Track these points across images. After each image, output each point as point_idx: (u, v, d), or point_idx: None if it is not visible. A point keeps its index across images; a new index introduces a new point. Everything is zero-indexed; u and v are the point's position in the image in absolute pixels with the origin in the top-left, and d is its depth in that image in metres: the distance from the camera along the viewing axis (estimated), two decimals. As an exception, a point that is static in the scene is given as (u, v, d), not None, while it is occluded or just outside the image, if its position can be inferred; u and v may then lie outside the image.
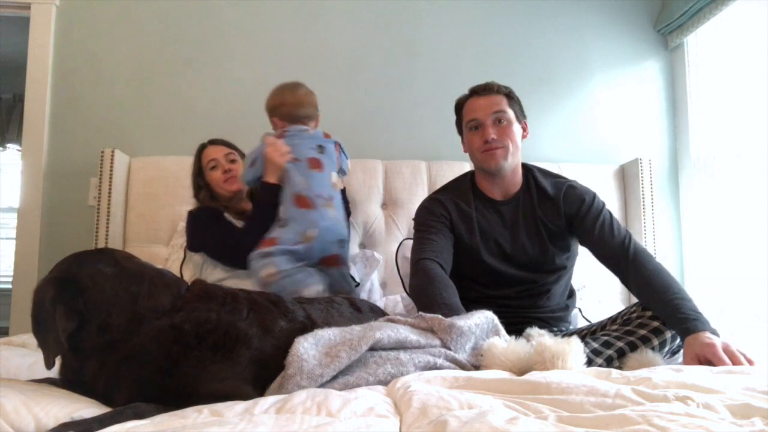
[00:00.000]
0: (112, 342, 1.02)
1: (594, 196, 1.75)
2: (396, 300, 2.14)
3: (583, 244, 1.74)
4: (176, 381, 1.01)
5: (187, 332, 1.05)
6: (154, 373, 1.01)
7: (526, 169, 1.82)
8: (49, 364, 1.00)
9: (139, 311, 1.06)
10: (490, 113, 1.70)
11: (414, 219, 1.82)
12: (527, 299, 1.72)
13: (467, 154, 1.83)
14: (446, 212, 1.75)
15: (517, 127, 1.74)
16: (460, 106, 1.81)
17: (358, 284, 2.04)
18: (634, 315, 1.50)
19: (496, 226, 1.74)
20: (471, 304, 1.50)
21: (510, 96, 1.75)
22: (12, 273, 2.49)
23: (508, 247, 1.72)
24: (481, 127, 1.72)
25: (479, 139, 1.72)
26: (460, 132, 1.84)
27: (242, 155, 2.08)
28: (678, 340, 1.44)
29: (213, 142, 2.13)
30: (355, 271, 2.09)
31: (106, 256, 1.12)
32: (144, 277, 1.12)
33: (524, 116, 1.79)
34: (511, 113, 1.72)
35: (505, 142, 1.70)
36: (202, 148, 2.12)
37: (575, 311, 1.92)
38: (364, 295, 2.05)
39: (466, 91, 1.81)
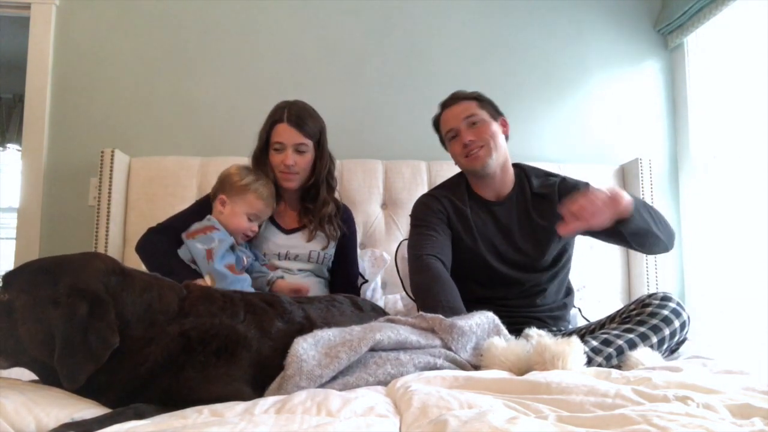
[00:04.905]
0: (125, 351, 1.01)
1: (587, 184, 1.74)
2: (396, 299, 2.14)
3: (585, 233, 1.73)
4: (181, 385, 1.01)
5: (194, 339, 1.05)
6: (161, 379, 1.01)
7: (519, 168, 1.83)
8: (78, 382, 0.95)
9: (154, 317, 1.06)
10: (462, 119, 1.73)
11: (411, 215, 1.83)
12: (524, 299, 1.73)
13: None
14: (444, 209, 1.76)
15: (495, 126, 1.75)
16: (437, 123, 1.85)
17: (366, 281, 2.06)
18: (633, 312, 1.51)
19: (491, 226, 1.75)
20: (469, 305, 1.50)
21: (479, 99, 1.78)
22: (12, 273, 2.49)
23: (502, 248, 1.73)
24: (458, 135, 1.74)
25: (459, 146, 1.74)
26: (445, 147, 1.86)
27: (318, 142, 1.89)
28: (677, 337, 1.44)
29: (290, 117, 1.83)
30: (365, 269, 2.11)
31: (109, 263, 1.09)
32: (151, 281, 1.12)
33: (500, 114, 1.80)
34: (483, 113, 1.74)
35: (485, 140, 1.71)
36: (274, 123, 1.85)
37: (574, 311, 1.92)
38: (369, 294, 2.06)
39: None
